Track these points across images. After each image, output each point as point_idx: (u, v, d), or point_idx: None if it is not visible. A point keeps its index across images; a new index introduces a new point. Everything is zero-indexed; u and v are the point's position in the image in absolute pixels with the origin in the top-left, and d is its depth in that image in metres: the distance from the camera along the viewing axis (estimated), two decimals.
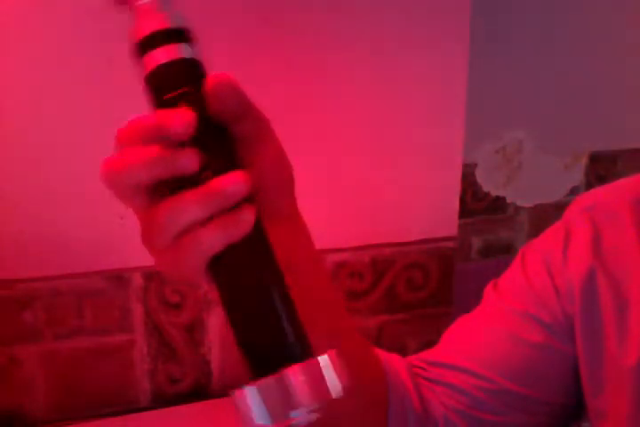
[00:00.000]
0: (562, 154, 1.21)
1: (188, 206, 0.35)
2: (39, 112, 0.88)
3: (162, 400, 1.03)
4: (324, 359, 0.36)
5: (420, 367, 0.64)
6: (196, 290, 1.00)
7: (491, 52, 1.12)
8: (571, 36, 1.16)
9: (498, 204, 1.20)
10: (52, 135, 0.90)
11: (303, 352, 0.37)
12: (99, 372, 0.99)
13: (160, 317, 1.00)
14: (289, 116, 0.99)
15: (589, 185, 1.23)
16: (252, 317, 0.37)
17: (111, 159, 0.36)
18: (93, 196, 0.82)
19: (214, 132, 0.38)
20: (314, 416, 0.36)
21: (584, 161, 1.23)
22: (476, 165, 1.16)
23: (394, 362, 0.61)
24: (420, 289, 1.13)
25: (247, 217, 0.36)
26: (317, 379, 0.35)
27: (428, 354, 0.66)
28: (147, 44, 0.39)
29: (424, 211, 1.09)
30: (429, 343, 0.68)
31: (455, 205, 1.11)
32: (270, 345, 0.37)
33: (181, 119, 0.36)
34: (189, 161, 0.36)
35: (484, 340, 0.63)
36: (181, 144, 0.36)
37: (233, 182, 0.36)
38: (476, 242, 1.20)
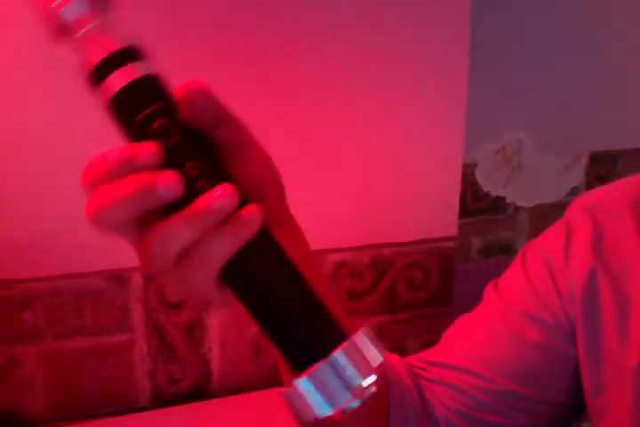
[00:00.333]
0: (562, 154, 1.21)
1: (178, 231, 0.35)
2: (39, 112, 0.88)
3: (162, 400, 1.03)
4: (361, 336, 0.37)
5: (420, 368, 0.64)
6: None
7: (491, 53, 1.12)
8: (571, 36, 1.16)
9: (498, 204, 1.20)
10: (51, 135, 0.90)
11: (340, 335, 0.37)
12: (99, 372, 0.99)
13: (160, 317, 1.00)
14: (289, 116, 0.99)
15: (589, 185, 1.23)
16: (283, 313, 0.37)
17: (92, 201, 0.35)
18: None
19: (194, 145, 0.37)
20: (368, 393, 0.36)
21: (584, 161, 1.23)
22: (476, 165, 1.16)
23: (393, 363, 0.61)
24: (420, 289, 1.13)
25: (253, 215, 0.36)
26: (361, 356, 0.36)
27: (427, 354, 0.66)
28: (101, 72, 0.37)
29: (424, 211, 1.09)
30: (429, 343, 0.68)
31: (455, 205, 1.11)
32: (308, 335, 0.37)
33: (146, 149, 0.35)
34: (171, 188, 0.35)
35: (484, 340, 0.63)
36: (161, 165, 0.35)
37: (218, 198, 0.35)
38: (476, 242, 1.20)
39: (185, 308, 1.01)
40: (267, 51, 0.95)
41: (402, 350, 1.13)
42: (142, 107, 0.37)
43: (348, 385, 0.35)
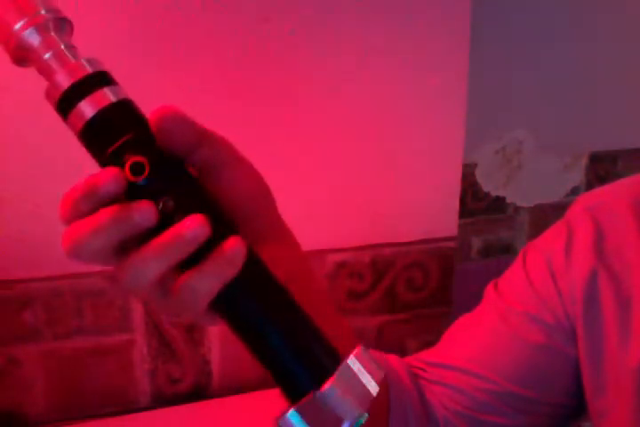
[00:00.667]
0: (562, 154, 1.21)
1: (147, 262, 0.34)
2: (39, 112, 0.88)
3: (162, 400, 1.03)
4: (353, 362, 0.36)
5: (420, 368, 0.64)
6: None
7: (491, 52, 1.12)
8: (571, 35, 1.16)
9: (498, 204, 1.20)
10: (51, 135, 0.89)
11: (333, 364, 0.36)
12: (99, 372, 0.99)
13: (160, 317, 1.00)
14: (288, 116, 0.99)
15: (589, 185, 1.23)
16: (273, 345, 0.36)
17: (67, 234, 0.35)
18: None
19: (168, 176, 0.35)
20: (359, 424, 0.35)
21: (584, 161, 1.23)
22: (475, 165, 1.16)
23: (393, 363, 0.61)
24: (420, 289, 1.13)
25: (235, 250, 0.35)
26: (352, 388, 0.35)
27: (427, 354, 0.66)
28: (69, 99, 0.35)
29: (424, 211, 1.09)
30: (429, 343, 0.68)
31: (455, 205, 1.11)
32: (298, 368, 0.36)
33: (107, 177, 0.34)
34: (145, 215, 0.34)
35: (484, 341, 0.63)
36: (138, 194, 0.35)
37: (188, 228, 0.34)
38: (476, 242, 1.20)
39: None
40: (266, 51, 0.95)
41: (402, 350, 1.13)
42: (113, 138, 0.35)
43: (337, 419, 0.35)
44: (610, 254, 0.59)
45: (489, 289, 0.66)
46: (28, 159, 0.90)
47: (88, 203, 0.35)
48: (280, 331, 0.36)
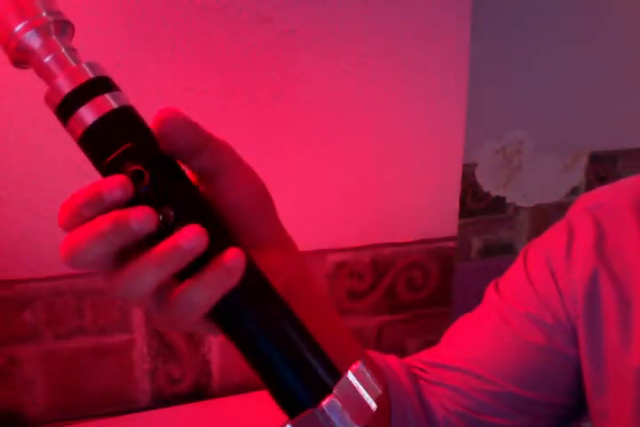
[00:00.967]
0: (562, 154, 1.21)
1: (144, 273, 0.34)
2: (39, 111, 0.88)
3: (162, 400, 1.03)
4: (353, 377, 0.35)
5: (420, 369, 0.64)
6: None
7: (491, 52, 1.12)
8: (571, 35, 1.16)
9: (498, 204, 1.20)
10: (51, 135, 0.89)
11: (332, 376, 0.35)
12: (99, 372, 0.99)
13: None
14: (288, 115, 0.99)
15: (589, 185, 1.23)
16: (270, 359, 0.35)
17: (65, 242, 0.35)
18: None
19: (168, 185, 0.35)
20: None
21: (584, 161, 1.23)
22: (475, 165, 1.16)
23: (392, 365, 0.61)
24: (420, 289, 1.13)
25: (234, 262, 0.35)
26: (353, 400, 0.35)
27: (427, 354, 0.66)
28: (69, 105, 0.35)
29: (424, 211, 1.09)
30: (429, 343, 0.68)
31: (455, 205, 1.11)
32: (295, 384, 0.35)
33: (114, 184, 0.34)
34: (144, 221, 0.34)
35: (485, 341, 0.63)
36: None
37: (186, 238, 0.34)
38: (476, 242, 1.20)
39: None
40: (266, 51, 0.95)
41: (402, 350, 1.13)
42: (113, 146, 0.34)
43: None
44: (610, 254, 0.59)
45: (489, 289, 0.66)
46: (28, 159, 0.90)
47: (91, 210, 0.34)
48: (277, 345, 0.35)
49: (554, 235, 0.64)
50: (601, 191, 0.64)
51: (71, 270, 0.94)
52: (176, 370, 1.03)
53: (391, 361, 0.62)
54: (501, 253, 1.22)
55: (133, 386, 1.01)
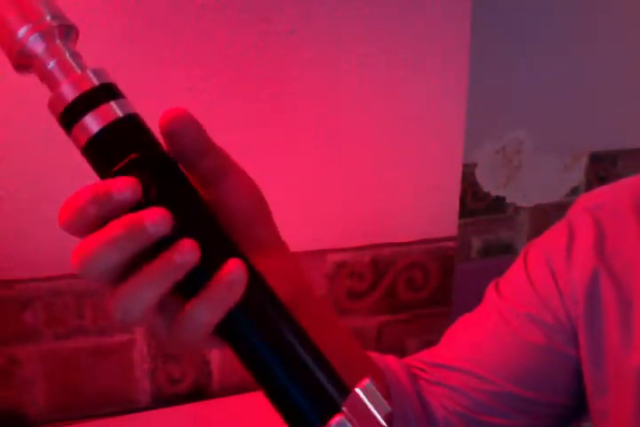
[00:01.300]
0: (562, 154, 1.21)
1: (139, 290, 0.33)
2: (39, 111, 0.88)
3: (162, 400, 1.03)
4: (362, 395, 0.34)
5: (420, 369, 0.64)
6: None
7: (491, 52, 1.12)
8: (571, 35, 1.16)
9: (498, 204, 1.20)
10: (51, 134, 0.89)
11: (340, 392, 0.35)
12: (99, 372, 0.99)
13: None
14: (288, 115, 0.99)
15: (589, 185, 1.23)
16: (276, 378, 0.34)
17: (78, 250, 0.34)
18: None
19: (174, 196, 0.34)
20: None
21: (584, 161, 1.23)
22: (475, 165, 1.16)
23: (391, 365, 0.61)
24: (420, 289, 1.13)
25: (235, 276, 0.34)
26: (362, 418, 0.34)
27: (427, 354, 0.66)
28: (73, 113, 0.34)
29: (424, 211, 1.09)
30: (429, 343, 0.68)
31: (455, 205, 1.11)
32: (306, 398, 0.34)
33: (123, 186, 0.33)
34: (159, 222, 0.33)
35: (485, 341, 0.63)
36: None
37: (181, 252, 0.33)
38: (476, 242, 1.20)
39: None
40: (266, 51, 0.95)
41: (402, 350, 1.13)
42: (119, 156, 0.34)
43: None
44: (611, 254, 0.59)
45: (489, 289, 0.66)
46: (27, 159, 0.90)
47: (97, 209, 0.33)
48: (285, 361, 0.35)
49: (554, 235, 0.63)
50: (601, 191, 0.64)
51: (71, 270, 0.94)
52: (176, 370, 1.03)
53: (391, 361, 0.62)
54: (501, 253, 1.22)
55: (133, 386, 1.01)
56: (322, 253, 1.05)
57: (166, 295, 0.34)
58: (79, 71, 0.35)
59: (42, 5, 0.34)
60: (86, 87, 0.34)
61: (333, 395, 0.35)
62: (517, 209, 1.21)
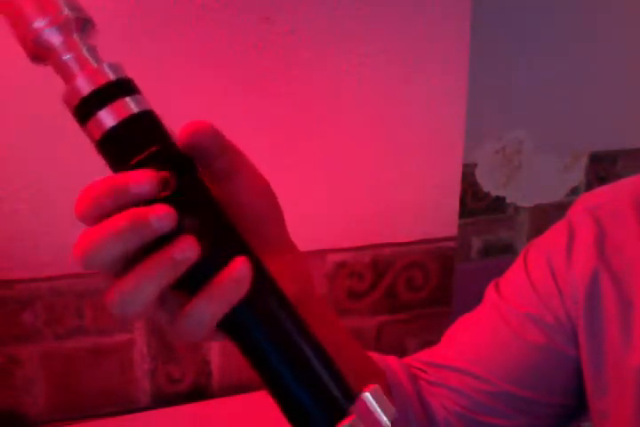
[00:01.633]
0: (562, 154, 1.21)
1: (137, 284, 0.33)
2: (39, 112, 0.88)
3: (162, 400, 1.03)
4: (369, 400, 0.34)
5: (420, 369, 0.64)
6: None
7: (491, 52, 1.12)
8: (571, 35, 1.16)
9: (498, 204, 1.20)
10: (51, 134, 0.89)
11: (347, 396, 0.34)
12: (99, 372, 0.99)
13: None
14: (288, 115, 0.99)
15: (589, 185, 1.23)
16: (286, 374, 0.34)
17: (81, 241, 0.33)
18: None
19: (187, 194, 0.34)
20: None
21: (584, 161, 1.23)
22: (475, 165, 1.16)
23: (392, 366, 0.61)
24: (420, 289, 1.13)
25: (242, 272, 0.34)
26: (370, 423, 0.34)
27: (427, 354, 0.66)
28: (88, 107, 0.34)
29: (424, 211, 1.09)
30: (429, 343, 0.68)
31: (455, 205, 1.11)
32: (313, 402, 0.34)
33: (142, 179, 0.33)
34: (164, 218, 0.33)
35: (485, 341, 0.63)
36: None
37: (182, 249, 0.33)
38: (476, 242, 1.20)
39: None
40: (266, 50, 0.95)
41: (402, 350, 1.13)
42: (133, 152, 0.34)
43: None
44: (611, 254, 0.59)
45: (489, 289, 0.66)
46: (27, 158, 0.90)
47: (113, 201, 0.33)
48: (291, 361, 0.34)
49: (554, 235, 0.63)
50: (601, 191, 0.64)
51: (71, 270, 0.94)
52: (176, 370, 1.03)
53: (391, 362, 0.61)
54: (501, 253, 1.22)
55: (133, 386, 1.01)
56: (322, 253, 1.05)
57: (166, 290, 0.34)
58: (95, 65, 0.35)
59: None
60: (102, 81, 0.34)
61: (340, 397, 0.34)
62: (517, 209, 1.21)
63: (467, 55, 1.03)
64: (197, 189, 0.35)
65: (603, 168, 1.24)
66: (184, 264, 0.33)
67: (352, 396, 0.35)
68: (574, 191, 1.23)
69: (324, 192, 1.03)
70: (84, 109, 0.34)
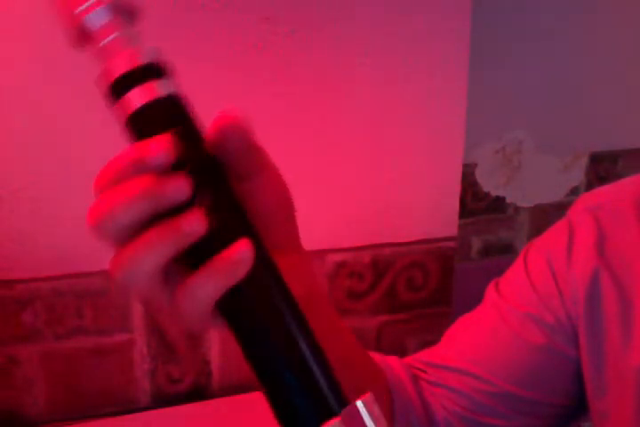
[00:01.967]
0: (562, 154, 1.21)
1: (141, 252, 0.33)
2: (39, 111, 0.88)
3: (162, 400, 1.03)
4: (361, 408, 0.34)
5: (421, 369, 0.64)
6: None
7: (491, 53, 1.12)
8: (570, 36, 1.16)
9: (498, 204, 1.20)
10: (51, 134, 0.89)
11: (339, 401, 0.34)
12: (99, 372, 0.99)
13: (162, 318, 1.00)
14: (289, 116, 0.99)
15: (589, 185, 1.23)
16: (279, 371, 0.34)
17: (94, 206, 0.34)
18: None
19: (204, 178, 0.35)
20: None
21: (584, 161, 1.23)
22: (476, 165, 1.16)
23: (393, 366, 0.61)
24: (420, 289, 1.13)
25: (241, 255, 0.34)
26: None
27: (427, 355, 0.66)
28: (121, 86, 0.35)
29: (424, 211, 1.09)
30: (429, 343, 0.68)
31: (455, 205, 1.11)
32: (304, 402, 0.34)
33: (159, 145, 0.34)
34: (178, 188, 0.33)
35: (485, 341, 0.63)
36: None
37: (190, 221, 0.33)
38: (476, 242, 1.20)
39: None
40: (266, 50, 0.95)
41: (402, 350, 1.13)
42: (160, 130, 0.35)
43: None
44: (611, 254, 0.59)
45: (489, 289, 0.66)
46: (27, 158, 0.90)
47: (130, 172, 0.34)
48: (286, 355, 0.34)
49: (554, 235, 0.63)
50: (601, 191, 0.64)
51: (71, 270, 0.94)
52: (176, 370, 1.03)
53: (393, 363, 0.61)
54: (501, 253, 1.22)
55: (133, 386, 1.01)
56: (322, 253, 1.05)
57: (170, 264, 0.34)
58: (132, 48, 0.36)
59: None
60: (137, 63, 0.36)
61: (332, 401, 0.34)
62: (517, 209, 1.21)
63: (467, 55, 1.03)
64: (214, 169, 0.36)
65: (603, 168, 1.24)
66: (190, 237, 0.33)
67: (342, 399, 0.34)
68: (574, 191, 1.23)
69: (324, 192, 1.03)
70: (116, 89, 0.35)
